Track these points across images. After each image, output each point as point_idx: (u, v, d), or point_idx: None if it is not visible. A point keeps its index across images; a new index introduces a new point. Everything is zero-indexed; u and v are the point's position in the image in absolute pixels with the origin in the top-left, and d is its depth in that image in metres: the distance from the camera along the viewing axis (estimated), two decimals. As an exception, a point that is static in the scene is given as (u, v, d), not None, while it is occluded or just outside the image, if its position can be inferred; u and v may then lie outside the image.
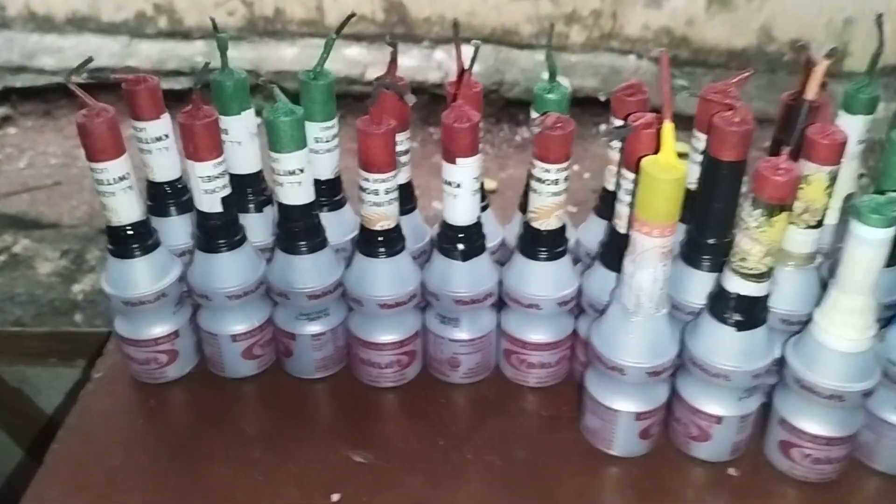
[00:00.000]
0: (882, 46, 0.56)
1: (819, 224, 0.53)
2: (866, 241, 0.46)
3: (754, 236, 0.47)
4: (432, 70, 2.54)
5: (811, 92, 0.45)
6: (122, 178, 0.54)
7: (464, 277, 0.58)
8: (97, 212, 1.92)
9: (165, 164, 0.60)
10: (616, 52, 2.67)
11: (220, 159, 0.55)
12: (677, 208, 0.47)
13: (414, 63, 2.55)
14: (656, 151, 0.47)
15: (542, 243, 0.57)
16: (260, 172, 0.62)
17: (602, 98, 0.57)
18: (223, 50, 0.58)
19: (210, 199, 0.56)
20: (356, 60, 2.50)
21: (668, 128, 0.47)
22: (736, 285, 0.50)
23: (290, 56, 2.48)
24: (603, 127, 0.50)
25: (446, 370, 0.62)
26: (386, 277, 0.57)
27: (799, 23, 2.55)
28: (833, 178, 0.51)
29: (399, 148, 0.58)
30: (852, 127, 0.56)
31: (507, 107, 2.44)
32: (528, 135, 2.41)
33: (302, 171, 0.55)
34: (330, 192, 0.62)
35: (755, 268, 0.49)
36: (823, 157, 0.50)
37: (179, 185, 0.62)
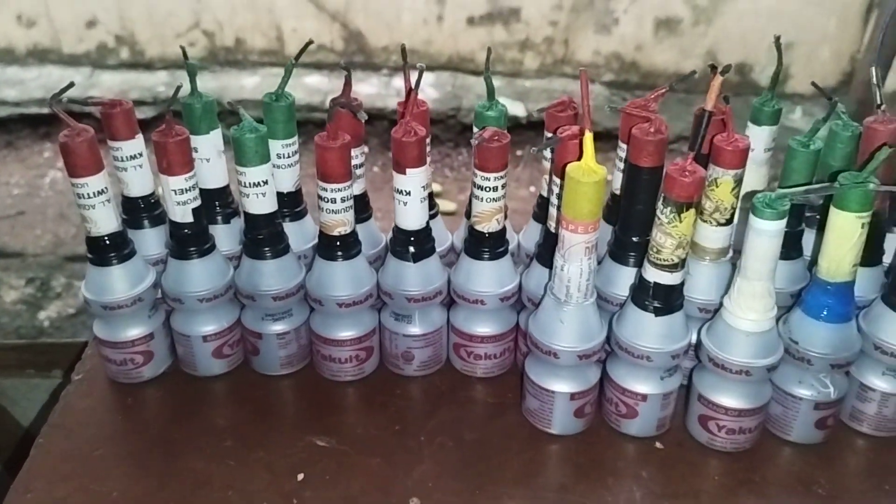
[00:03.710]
0: (781, 66, 0.64)
1: (728, 222, 0.60)
2: (762, 233, 0.53)
3: (666, 231, 0.54)
4: (391, 97, 2.61)
5: (709, 103, 0.53)
6: (100, 192, 0.59)
7: (415, 277, 0.64)
8: (62, 240, 1.95)
9: (140, 181, 0.66)
10: (569, 76, 2.77)
11: (191, 174, 0.60)
12: (598, 207, 0.54)
13: (373, 90, 2.63)
14: (579, 158, 0.54)
15: (484, 245, 0.63)
16: (227, 187, 0.68)
17: (537, 114, 0.63)
18: (192, 76, 0.63)
19: (182, 210, 0.61)
20: (316, 88, 2.57)
21: (588, 137, 0.53)
22: (653, 275, 0.56)
23: (252, 85, 2.54)
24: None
25: (401, 364, 0.68)
26: (343, 279, 0.63)
27: (742, 46, 2.67)
28: (738, 181, 0.58)
29: (354, 162, 0.64)
30: (760, 137, 0.64)
31: (465, 131, 2.51)
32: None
33: (266, 183, 0.60)
34: (292, 204, 0.68)
35: (669, 259, 0.55)
36: (729, 161, 0.57)
37: (152, 200, 0.67)
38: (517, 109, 2.55)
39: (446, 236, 0.71)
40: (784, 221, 0.52)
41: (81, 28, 2.57)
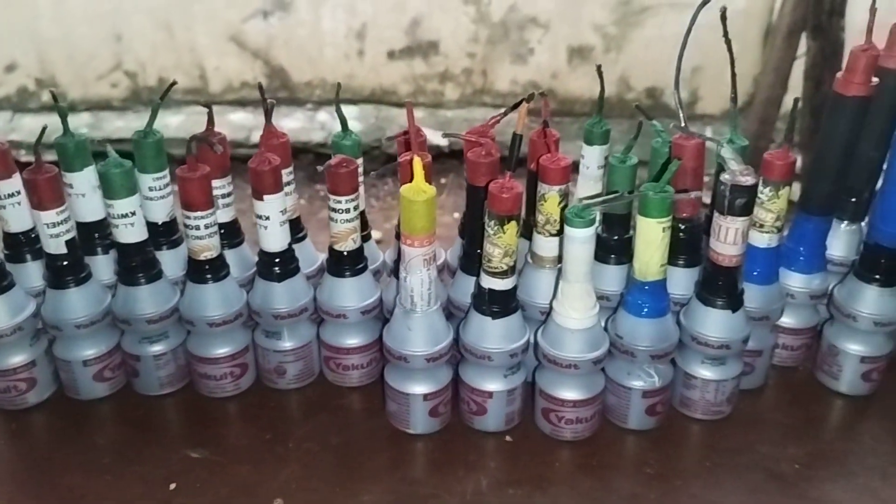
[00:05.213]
0: (603, 90, 0.71)
1: (559, 232, 0.66)
2: (575, 240, 0.59)
3: (493, 241, 0.60)
4: (315, 131, 2.67)
5: (518, 127, 0.59)
6: (-26, 229, 0.63)
7: (281, 296, 0.69)
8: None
9: (18, 217, 0.69)
10: (489, 106, 2.87)
11: (62, 208, 0.65)
12: (431, 223, 0.60)
13: (298, 125, 2.68)
14: (411, 180, 0.60)
15: (344, 263, 0.68)
16: (104, 219, 0.72)
17: (386, 142, 0.68)
18: (63, 117, 0.68)
19: (56, 243, 0.65)
20: (241, 125, 2.61)
21: (416, 161, 0.59)
22: (488, 282, 0.63)
23: (176, 123, 2.56)
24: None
25: (275, 378, 0.72)
26: (213, 300, 0.68)
27: (652, 72, 2.80)
28: (564, 195, 0.65)
29: (221, 191, 0.70)
30: (592, 155, 0.71)
31: (389, 161, 2.58)
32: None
33: (133, 214, 0.65)
34: (167, 233, 0.72)
35: (498, 267, 0.61)
36: (552, 178, 0.64)
37: (33, 235, 0.71)
38: (440, 139, 2.63)
39: (316, 257, 0.76)
40: (593, 228, 0.59)
41: (0, 73, 2.58)
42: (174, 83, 0.70)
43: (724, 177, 0.60)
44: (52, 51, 2.60)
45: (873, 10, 0.63)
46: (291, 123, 2.67)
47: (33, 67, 2.60)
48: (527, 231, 0.70)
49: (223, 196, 0.71)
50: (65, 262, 0.66)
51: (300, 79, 2.77)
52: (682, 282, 0.68)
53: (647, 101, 2.79)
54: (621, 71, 2.82)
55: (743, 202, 0.60)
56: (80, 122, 2.60)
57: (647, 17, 2.72)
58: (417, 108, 2.85)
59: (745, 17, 2.71)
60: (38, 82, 2.61)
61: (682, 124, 0.66)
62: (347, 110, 2.90)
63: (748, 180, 0.60)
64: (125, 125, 2.57)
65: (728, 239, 0.62)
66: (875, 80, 0.64)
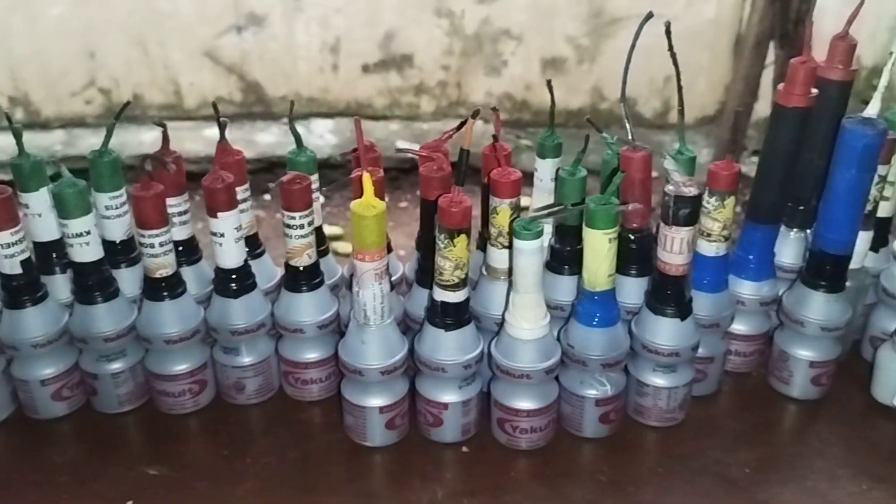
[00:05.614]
0: (554, 104, 0.73)
1: (511, 244, 0.67)
2: (523, 252, 0.60)
3: (444, 255, 0.61)
4: (291, 145, 2.67)
5: (466, 142, 0.60)
6: (-71, 250, 0.64)
7: (238, 312, 0.69)
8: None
9: (-26, 238, 0.70)
10: (464, 117, 2.88)
11: (16, 228, 0.65)
12: (381, 238, 0.61)
13: (273, 139, 2.68)
14: (361, 196, 0.61)
15: (300, 278, 0.69)
16: (62, 239, 0.72)
17: (341, 157, 0.69)
18: (18, 138, 0.68)
19: (10, 263, 0.66)
20: (216, 140, 2.61)
21: (365, 177, 0.60)
22: (440, 295, 0.63)
23: (151, 140, 2.56)
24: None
25: (234, 394, 0.73)
26: (169, 317, 0.68)
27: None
28: (515, 208, 0.66)
29: (177, 209, 0.70)
30: (545, 168, 0.73)
31: (365, 174, 2.59)
32: (386, 199, 2.57)
33: (88, 233, 0.66)
34: (126, 252, 0.73)
35: (450, 279, 0.62)
36: (504, 192, 0.65)
37: (-11, 255, 0.71)
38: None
39: (275, 272, 0.77)
40: (540, 241, 0.60)
41: (-28, 91, 2.57)
42: (128, 103, 0.70)
43: (668, 188, 0.62)
44: (25, 68, 2.59)
45: (810, 25, 0.65)
46: (267, 138, 2.68)
47: (6, 85, 2.59)
48: (482, 243, 0.71)
49: (179, 214, 0.71)
50: (21, 283, 0.67)
51: (275, 93, 2.78)
52: (633, 291, 0.69)
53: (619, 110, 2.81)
54: (595, 81, 2.85)
55: (686, 212, 0.61)
56: (55, 140, 2.60)
57: (618, 29, 2.75)
58: (393, 120, 2.87)
59: (715, 26, 2.75)
60: (11, 100, 2.60)
61: (629, 136, 0.67)
62: (323, 124, 2.91)
63: (691, 191, 0.61)
64: (100, 142, 2.56)
65: (674, 248, 0.63)
66: (814, 91, 0.66)
